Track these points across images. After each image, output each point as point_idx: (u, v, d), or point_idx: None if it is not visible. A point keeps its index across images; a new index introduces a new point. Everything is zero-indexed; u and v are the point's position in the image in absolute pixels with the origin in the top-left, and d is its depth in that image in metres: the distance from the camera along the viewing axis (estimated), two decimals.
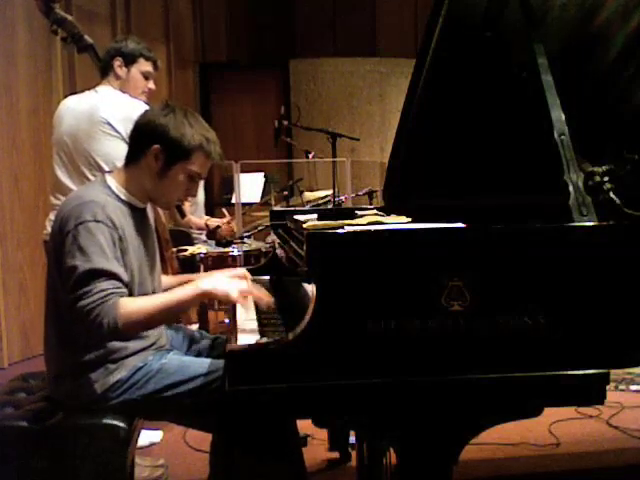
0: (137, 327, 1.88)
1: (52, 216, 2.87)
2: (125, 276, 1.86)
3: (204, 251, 3.87)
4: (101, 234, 1.82)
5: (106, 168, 2.75)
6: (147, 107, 2.71)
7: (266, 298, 1.93)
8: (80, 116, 2.83)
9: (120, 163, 2.73)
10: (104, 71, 2.93)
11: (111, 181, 2.00)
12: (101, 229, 1.83)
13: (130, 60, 2.90)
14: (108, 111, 2.77)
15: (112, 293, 1.78)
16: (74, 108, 2.89)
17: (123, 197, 1.98)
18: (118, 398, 1.90)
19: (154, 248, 2.13)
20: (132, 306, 1.81)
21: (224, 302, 1.90)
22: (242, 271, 2.11)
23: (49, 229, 2.85)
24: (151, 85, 2.97)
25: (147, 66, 2.94)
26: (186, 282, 2.15)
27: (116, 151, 2.75)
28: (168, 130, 1.92)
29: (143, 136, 1.96)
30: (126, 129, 2.73)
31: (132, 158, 2.00)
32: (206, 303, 3.73)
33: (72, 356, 1.91)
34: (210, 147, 1.96)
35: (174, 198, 2.04)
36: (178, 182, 1.97)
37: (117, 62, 2.89)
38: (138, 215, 2.02)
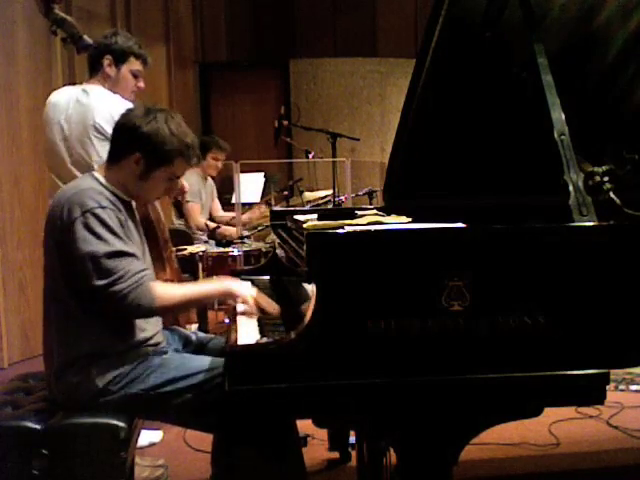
0: (170, 309, 2.05)
1: None
2: (140, 255, 1.96)
3: (203, 249, 3.89)
4: (109, 219, 1.89)
5: None
6: None
7: (274, 309, 2.07)
8: (72, 119, 2.75)
9: None
10: (92, 67, 2.83)
11: (98, 176, 2.04)
12: (108, 214, 1.90)
13: (120, 59, 2.80)
14: (102, 116, 2.69)
15: (144, 275, 1.89)
16: (63, 109, 2.78)
17: (110, 189, 2.01)
18: (118, 392, 1.90)
19: (144, 242, 2.17)
20: (167, 290, 1.97)
21: (243, 302, 2.07)
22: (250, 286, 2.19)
23: None
24: (140, 84, 2.88)
25: (137, 65, 2.85)
26: None
27: None
28: (150, 139, 1.97)
29: (125, 141, 2.01)
30: None
31: (114, 158, 2.04)
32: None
33: (72, 350, 1.92)
34: (189, 153, 2.03)
35: (154, 197, 2.20)
36: (158, 184, 2.06)
37: (107, 61, 2.79)
38: (126, 207, 2.05)
